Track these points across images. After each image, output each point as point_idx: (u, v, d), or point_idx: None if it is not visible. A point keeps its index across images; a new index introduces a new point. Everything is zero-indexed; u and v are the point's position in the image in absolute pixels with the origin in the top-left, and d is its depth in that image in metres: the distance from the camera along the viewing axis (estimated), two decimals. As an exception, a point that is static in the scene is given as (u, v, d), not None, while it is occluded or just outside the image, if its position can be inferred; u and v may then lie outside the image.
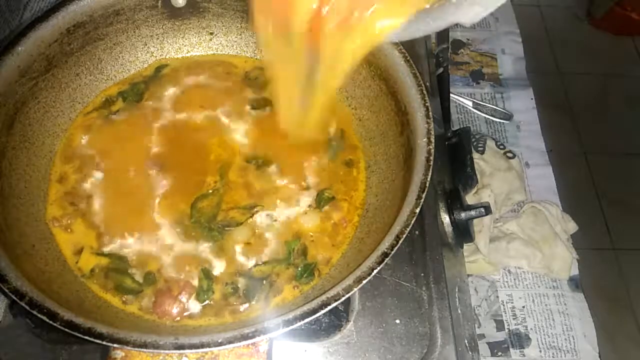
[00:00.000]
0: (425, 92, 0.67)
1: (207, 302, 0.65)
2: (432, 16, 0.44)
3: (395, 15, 0.42)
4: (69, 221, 0.70)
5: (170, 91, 0.81)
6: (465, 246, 0.93)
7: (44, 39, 0.70)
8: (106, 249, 0.68)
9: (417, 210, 0.58)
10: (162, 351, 0.51)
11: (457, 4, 0.42)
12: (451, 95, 1.19)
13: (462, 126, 1.16)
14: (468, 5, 0.41)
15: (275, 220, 0.71)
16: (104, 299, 0.65)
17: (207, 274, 0.67)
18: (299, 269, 0.68)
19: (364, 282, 0.54)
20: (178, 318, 0.64)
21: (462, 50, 1.41)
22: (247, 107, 0.80)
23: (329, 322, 0.71)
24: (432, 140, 0.63)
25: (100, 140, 0.76)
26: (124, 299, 0.65)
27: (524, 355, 1.03)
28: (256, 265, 0.68)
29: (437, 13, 0.44)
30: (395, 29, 0.43)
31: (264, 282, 0.67)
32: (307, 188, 0.74)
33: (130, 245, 0.69)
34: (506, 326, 1.06)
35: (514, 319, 1.06)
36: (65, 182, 0.73)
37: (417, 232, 0.77)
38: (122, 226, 0.70)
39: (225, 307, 0.65)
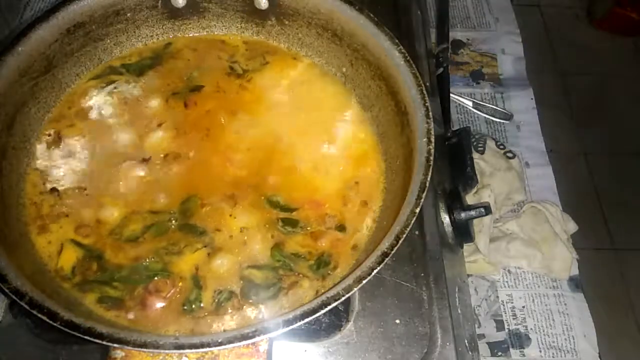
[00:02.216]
0: (425, 92, 0.67)
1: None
2: None
3: None
4: (46, 222, 0.68)
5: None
6: (465, 246, 0.93)
7: (44, 39, 0.70)
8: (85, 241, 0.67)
9: (417, 210, 0.58)
10: (162, 351, 0.51)
11: None
12: (451, 95, 1.19)
13: (462, 126, 1.16)
14: None
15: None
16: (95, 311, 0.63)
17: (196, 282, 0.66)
18: (312, 263, 0.67)
19: (364, 282, 0.54)
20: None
21: (462, 50, 1.41)
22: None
23: (329, 322, 0.71)
24: (432, 140, 0.63)
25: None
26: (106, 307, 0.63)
27: (524, 355, 1.03)
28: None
29: None
30: None
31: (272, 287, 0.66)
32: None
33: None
34: (506, 326, 1.06)
35: (514, 319, 1.06)
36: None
37: (417, 232, 0.77)
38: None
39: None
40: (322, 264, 0.67)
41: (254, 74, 0.82)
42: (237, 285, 0.65)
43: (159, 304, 0.63)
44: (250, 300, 0.64)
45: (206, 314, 0.63)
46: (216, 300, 0.64)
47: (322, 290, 0.64)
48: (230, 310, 0.63)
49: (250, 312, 0.63)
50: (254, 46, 0.84)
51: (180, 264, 0.66)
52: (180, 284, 0.65)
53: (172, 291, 0.64)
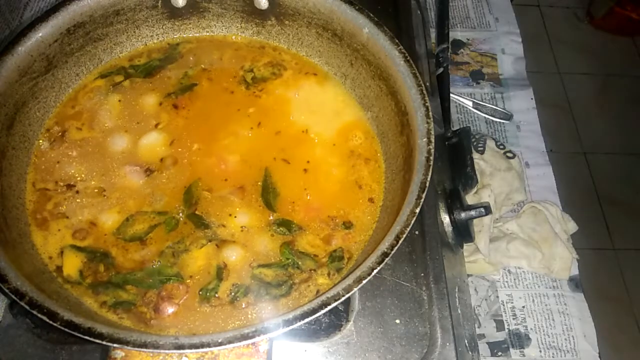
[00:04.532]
0: (425, 92, 0.67)
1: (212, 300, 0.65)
2: None
3: None
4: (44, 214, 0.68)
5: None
6: (465, 246, 0.93)
7: (44, 39, 0.70)
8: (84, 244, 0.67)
9: (417, 210, 0.58)
10: (162, 351, 0.51)
11: None
12: (451, 95, 1.19)
13: (462, 126, 1.16)
14: None
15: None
16: (98, 312, 0.64)
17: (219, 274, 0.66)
18: (328, 259, 0.68)
19: (364, 282, 0.54)
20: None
21: (462, 50, 1.41)
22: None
23: (329, 322, 0.71)
24: (432, 140, 0.63)
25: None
26: (118, 312, 0.63)
27: (524, 355, 1.03)
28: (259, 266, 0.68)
29: None
30: None
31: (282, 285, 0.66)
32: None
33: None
34: (506, 326, 1.05)
35: (514, 319, 1.06)
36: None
37: (417, 232, 0.77)
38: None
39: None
40: (336, 258, 0.68)
41: (265, 83, 0.82)
42: (251, 283, 0.66)
43: (171, 309, 0.63)
44: (263, 299, 0.65)
45: (221, 304, 0.64)
46: (232, 293, 0.65)
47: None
48: (244, 306, 0.64)
49: (262, 309, 0.64)
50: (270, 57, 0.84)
51: (190, 263, 0.67)
52: (192, 283, 0.65)
53: (185, 297, 0.64)
